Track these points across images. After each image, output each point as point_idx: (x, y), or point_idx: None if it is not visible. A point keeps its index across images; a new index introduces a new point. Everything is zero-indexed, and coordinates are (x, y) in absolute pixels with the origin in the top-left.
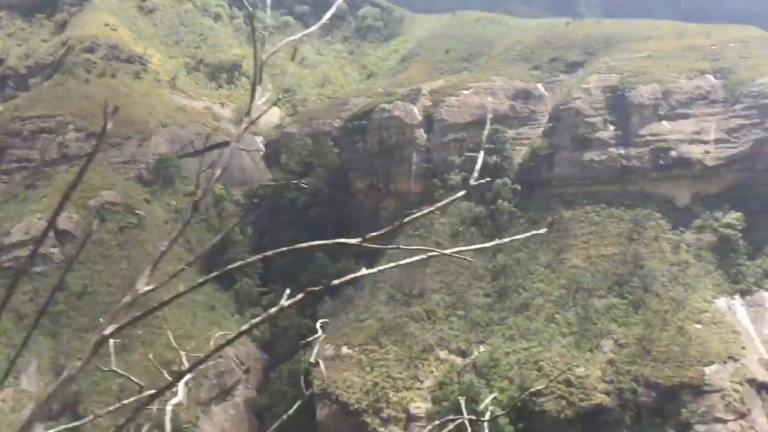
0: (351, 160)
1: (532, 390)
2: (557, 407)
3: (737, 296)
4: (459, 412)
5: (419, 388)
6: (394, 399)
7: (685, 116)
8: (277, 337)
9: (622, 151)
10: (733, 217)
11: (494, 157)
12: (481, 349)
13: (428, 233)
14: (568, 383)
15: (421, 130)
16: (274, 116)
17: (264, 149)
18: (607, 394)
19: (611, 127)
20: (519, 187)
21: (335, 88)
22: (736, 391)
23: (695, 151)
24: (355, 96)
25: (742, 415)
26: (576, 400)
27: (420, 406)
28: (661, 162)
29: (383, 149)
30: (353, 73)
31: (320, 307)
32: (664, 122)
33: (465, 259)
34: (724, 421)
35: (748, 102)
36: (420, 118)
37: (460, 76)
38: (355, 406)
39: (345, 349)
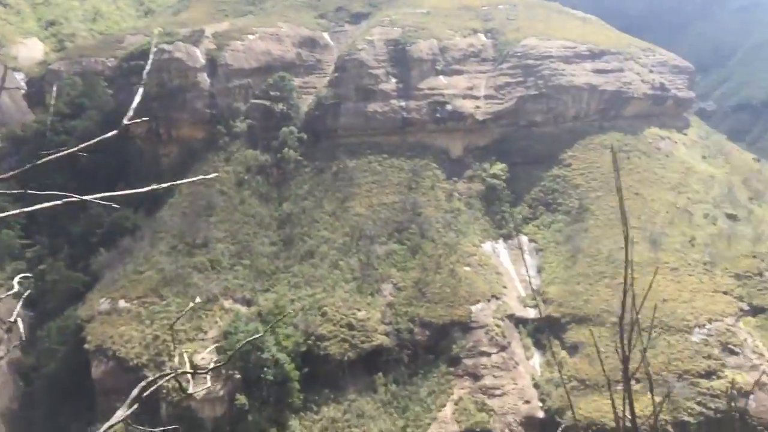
0: (127, 103)
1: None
2: (340, 350)
3: (501, 240)
4: (246, 360)
5: (203, 339)
6: (177, 352)
7: (460, 72)
8: (44, 293)
9: (402, 104)
10: (499, 168)
11: (280, 106)
12: (267, 297)
13: (212, 182)
14: (351, 327)
15: (204, 74)
16: (37, 51)
17: (26, 87)
18: (387, 335)
19: (393, 80)
20: (305, 136)
21: (108, 24)
22: (498, 326)
23: (468, 106)
24: (132, 34)
25: (503, 348)
26: (358, 342)
27: (205, 357)
28: (438, 115)
29: (163, 93)
30: (129, 9)
31: (94, 259)
32: (440, 77)
33: (111, 205)
34: (489, 354)
35: (513, 62)
36: (203, 61)
37: (246, 19)
38: (135, 362)
39: (122, 303)
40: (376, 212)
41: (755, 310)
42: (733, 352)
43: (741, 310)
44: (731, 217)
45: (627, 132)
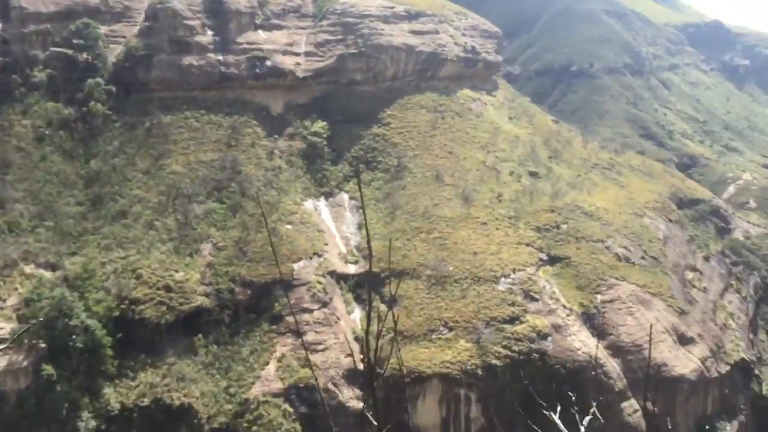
0: None
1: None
2: (157, 313)
3: (322, 198)
4: (51, 329)
5: (1, 308)
6: None
7: (279, 27)
8: None
9: (220, 57)
10: (320, 125)
11: (85, 55)
12: (74, 260)
13: (8, 137)
14: (168, 289)
15: None
16: None
17: None
18: (207, 295)
19: (210, 32)
20: (114, 89)
21: None
22: (320, 282)
23: (288, 62)
24: None
25: (325, 304)
26: (176, 304)
27: (3, 327)
28: (257, 71)
29: None
30: None
31: None
32: (260, 32)
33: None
34: (311, 311)
35: (333, 19)
36: None
37: None
38: None
39: None
40: (194, 170)
41: (553, 260)
42: (533, 299)
43: (541, 260)
44: (533, 175)
45: (442, 93)
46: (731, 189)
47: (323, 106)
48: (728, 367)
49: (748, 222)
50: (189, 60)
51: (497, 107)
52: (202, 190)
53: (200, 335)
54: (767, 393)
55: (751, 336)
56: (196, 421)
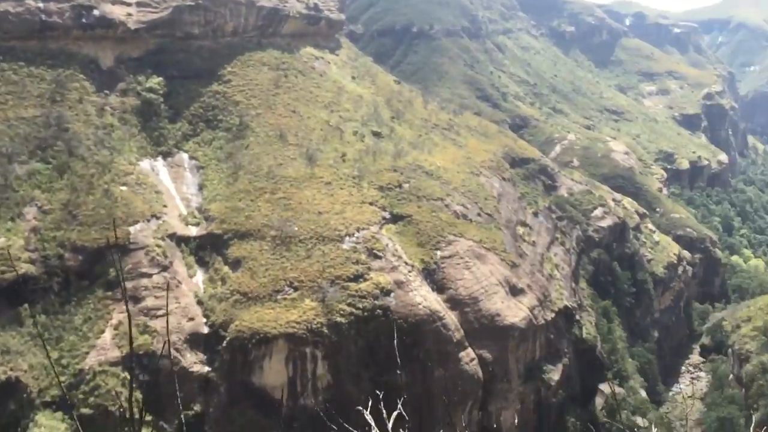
0: None
1: None
2: None
3: (160, 158)
4: None
5: None
6: None
7: None
8: None
9: (41, 5)
10: (155, 81)
11: None
12: None
13: None
14: None
15: None
16: None
17: None
18: (32, 262)
19: None
20: None
21: None
22: (159, 246)
23: (118, 12)
24: None
25: (165, 268)
26: None
27: None
28: (84, 20)
29: None
30: None
31: None
32: None
33: None
34: (149, 275)
35: None
36: None
37: None
38: None
39: None
40: (14, 127)
41: (395, 218)
42: (377, 257)
43: (384, 218)
44: (376, 135)
45: (284, 50)
46: (557, 149)
47: (158, 60)
48: (553, 315)
49: (572, 180)
50: (5, 6)
51: (340, 66)
52: (24, 149)
53: (26, 305)
54: (587, 336)
55: (573, 285)
56: (25, 395)
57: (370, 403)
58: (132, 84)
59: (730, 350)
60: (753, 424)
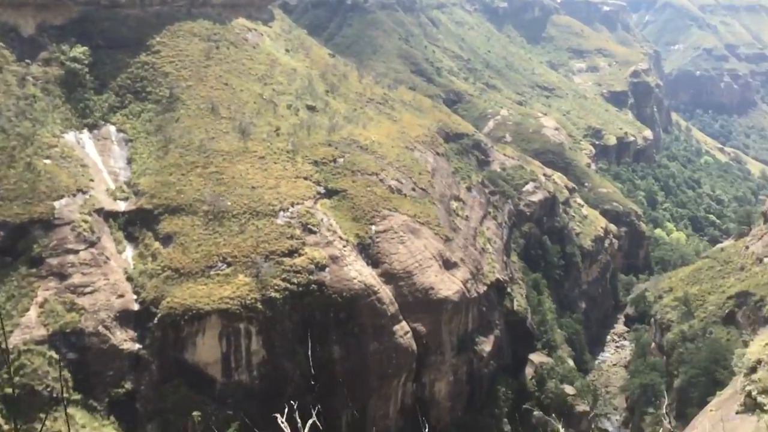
0: None
1: None
2: None
3: (86, 130)
4: None
5: None
6: None
7: None
8: None
9: None
10: (80, 51)
11: None
12: None
13: None
14: None
15: None
16: None
17: None
18: None
19: None
20: None
21: None
22: (86, 221)
23: None
24: None
25: (92, 244)
26: None
27: None
28: None
29: None
30: None
31: None
32: None
33: None
34: (76, 251)
35: None
36: None
37: None
38: None
39: None
40: None
41: (330, 193)
42: (311, 232)
43: (318, 193)
44: (311, 109)
45: (216, 21)
46: (491, 124)
47: (83, 29)
48: (486, 288)
49: (504, 155)
50: None
51: (274, 38)
52: None
53: None
54: (518, 308)
55: (504, 258)
56: None
57: (285, 413)
58: (55, 53)
59: (652, 320)
60: (673, 390)
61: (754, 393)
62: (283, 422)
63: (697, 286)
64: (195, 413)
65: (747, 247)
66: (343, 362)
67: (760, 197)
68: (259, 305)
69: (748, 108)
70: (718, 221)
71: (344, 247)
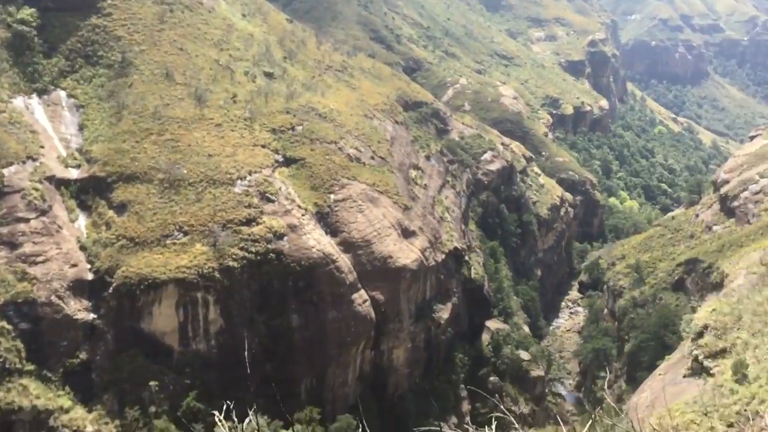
0: None
1: None
2: None
3: (34, 95)
4: None
5: None
6: None
7: None
8: None
9: None
10: (27, 13)
11: None
12: None
13: None
14: None
15: None
16: None
17: None
18: None
19: None
20: None
21: None
22: (36, 189)
23: None
24: None
25: (43, 212)
26: None
27: None
28: None
29: None
30: None
31: None
32: None
33: None
34: (27, 220)
35: None
36: None
37: None
38: None
39: None
40: None
41: (288, 161)
42: (270, 200)
43: (276, 161)
44: (268, 75)
45: None
46: (450, 92)
47: None
48: (443, 256)
49: (463, 123)
50: None
51: (230, 3)
52: None
53: None
54: (475, 276)
55: (462, 227)
56: None
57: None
58: (1, 15)
59: (605, 286)
60: (624, 355)
61: (700, 357)
62: (220, 419)
63: (648, 254)
64: (152, 383)
65: (697, 216)
66: (302, 330)
67: (711, 167)
68: (216, 274)
69: (701, 78)
70: (669, 190)
71: (303, 215)
